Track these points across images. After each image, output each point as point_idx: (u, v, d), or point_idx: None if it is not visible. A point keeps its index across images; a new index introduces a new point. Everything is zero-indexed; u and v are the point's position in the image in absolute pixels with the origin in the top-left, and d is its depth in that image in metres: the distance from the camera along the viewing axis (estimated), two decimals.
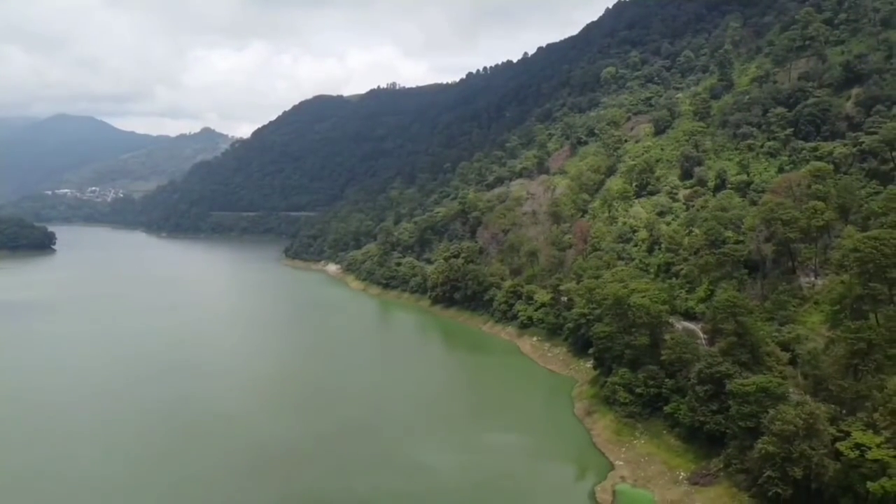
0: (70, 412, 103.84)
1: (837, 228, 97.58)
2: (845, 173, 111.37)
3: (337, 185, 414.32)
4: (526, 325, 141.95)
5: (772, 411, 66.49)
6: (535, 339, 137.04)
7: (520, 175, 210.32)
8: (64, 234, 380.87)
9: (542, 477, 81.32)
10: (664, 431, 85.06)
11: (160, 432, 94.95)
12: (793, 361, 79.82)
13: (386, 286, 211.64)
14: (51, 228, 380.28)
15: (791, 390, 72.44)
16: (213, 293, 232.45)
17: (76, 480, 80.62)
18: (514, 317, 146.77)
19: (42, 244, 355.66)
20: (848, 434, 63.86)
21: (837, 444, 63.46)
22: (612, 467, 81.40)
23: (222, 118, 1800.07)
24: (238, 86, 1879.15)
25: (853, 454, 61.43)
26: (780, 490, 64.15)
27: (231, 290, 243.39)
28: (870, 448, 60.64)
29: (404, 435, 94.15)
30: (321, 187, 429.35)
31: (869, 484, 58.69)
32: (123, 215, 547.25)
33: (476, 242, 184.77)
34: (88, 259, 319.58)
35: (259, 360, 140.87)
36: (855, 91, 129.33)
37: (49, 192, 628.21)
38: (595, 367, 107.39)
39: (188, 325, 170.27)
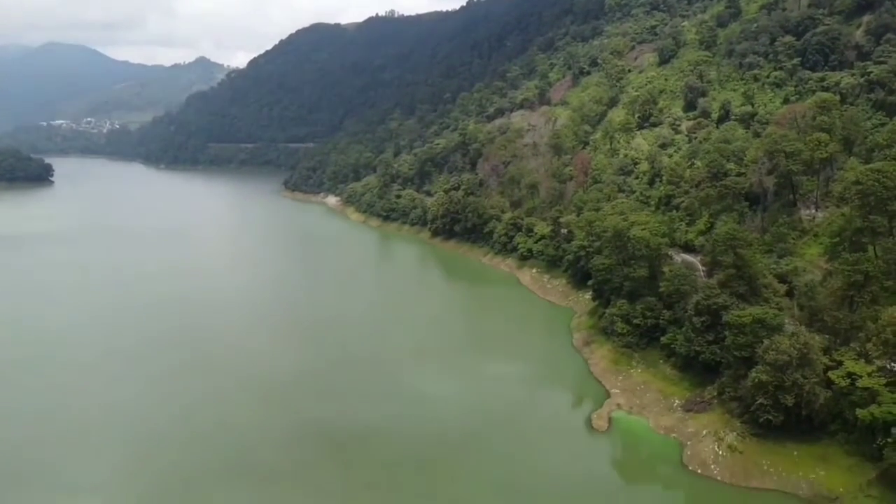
0: (75, 342, 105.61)
1: (840, 161, 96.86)
2: (851, 104, 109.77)
3: (335, 117, 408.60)
4: (526, 257, 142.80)
5: (766, 341, 67.65)
6: (534, 270, 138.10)
7: (521, 106, 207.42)
8: (61, 166, 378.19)
9: (540, 405, 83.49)
10: (660, 361, 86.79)
11: (165, 362, 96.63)
12: (790, 293, 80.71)
13: (386, 218, 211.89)
14: (47, 160, 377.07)
15: (787, 321, 73.52)
16: (214, 225, 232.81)
17: (84, 408, 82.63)
18: (514, 249, 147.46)
19: (40, 176, 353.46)
20: (840, 363, 65.32)
21: (829, 373, 64.98)
22: (608, 395, 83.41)
23: (217, 47, 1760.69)
24: (232, 13, 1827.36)
25: (844, 383, 63.01)
26: (771, 417, 66.02)
27: (232, 222, 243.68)
28: (861, 377, 62.14)
29: (406, 365, 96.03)
30: (319, 118, 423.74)
31: (858, 411, 60.37)
32: (120, 147, 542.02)
33: (476, 174, 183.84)
34: (88, 191, 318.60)
35: (261, 290, 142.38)
36: (865, 19, 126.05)
37: (44, 124, 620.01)
38: (594, 299, 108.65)
39: (191, 256, 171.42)
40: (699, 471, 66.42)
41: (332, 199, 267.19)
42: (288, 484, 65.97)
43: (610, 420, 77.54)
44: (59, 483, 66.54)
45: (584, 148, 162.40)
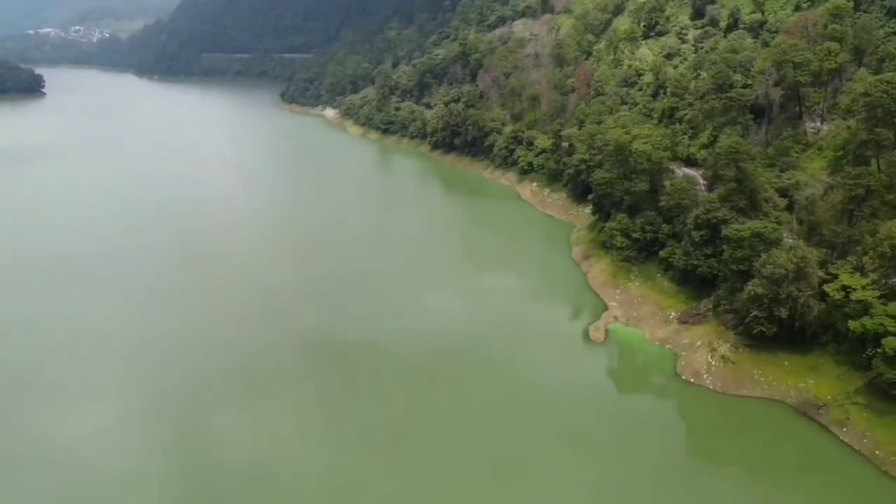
0: (75, 257, 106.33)
1: (850, 71, 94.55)
2: (865, 11, 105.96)
3: (332, 25, 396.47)
4: (526, 171, 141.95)
5: (764, 255, 68.20)
6: (534, 184, 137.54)
7: (523, 14, 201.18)
8: (52, 77, 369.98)
9: (538, 317, 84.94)
10: (658, 275, 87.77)
11: (166, 275, 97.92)
12: (790, 207, 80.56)
13: (385, 131, 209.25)
14: (37, 70, 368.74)
15: (785, 235, 73.80)
16: (212, 138, 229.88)
17: (87, 320, 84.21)
18: (515, 162, 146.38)
19: (31, 87, 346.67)
20: (836, 277, 66.07)
21: (824, 286, 65.81)
22: (605, 308, 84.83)
23: None
24: None
25: (838, 295, 63.92)
26: (764, 328, 67.37)
27: (230, 136, 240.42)
28: (855, 289, 62.98)
29: (406, 277, 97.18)
30: (315, 27, 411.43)
31: (850, 322, 61.55)
32: (111, 56, 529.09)
33: (476, 86, 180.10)
34: (82, 103, 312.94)
35: (261, 204, 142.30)
36: None
37: (31, 32, 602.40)
38: (594, 213, 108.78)
39: (190, 169, 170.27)
40: (692, 380, 68.37)
41: (330, 112, 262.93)
42: (292, 392, 68.01)
43: (607, 332, 79.18)
44: (65, 389, 68.58)
45: (587, 59, 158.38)
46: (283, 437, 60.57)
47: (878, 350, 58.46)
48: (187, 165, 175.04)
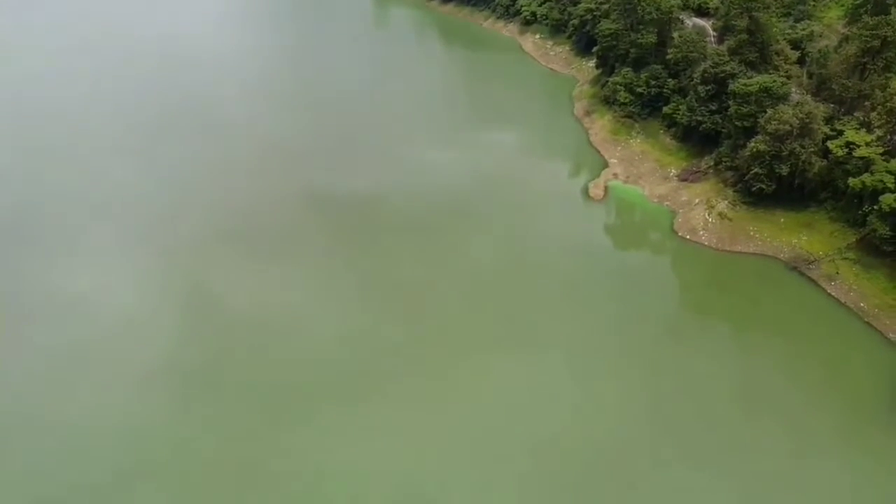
0: (75, 113, 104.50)
1: None
2: None
3: None
4: (529, 22, 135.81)
5: (770, 111, 66.98)
6: (537, 36, 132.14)
7: None
8: None
9: (539, 173, 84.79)
10: (660, 131, 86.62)
11: (166, 133, 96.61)
12: (801, 60, 78.13)
13: None
14: None
15: (793, 90, 72.07)
16: None
17: (89, 177, 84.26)
18: (517, 12, 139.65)
19: None
20: (840, 133, 65.42)
21: (828, 143, 65.27)
22: (606, 165, 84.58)
23: None
24: None
25: (841, 152, 63.62)
26: (764, 185, 67.63)
27: None
28: (858, 146, 62.61)
29: (405, 134, 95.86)
30: None
31: (850, 179, 61.68)
32: None
33: None
34: None
35: (252, 60, 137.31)
36: None
37: None
38: (598, 67, 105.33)
39: (176, 25, 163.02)
40: (688, 237, 69.58)
41: None
42: (294, 246, 69.35)
43: (606, 189, 79.46)
44: (76, 244, 70.01)
45: None
46: (287, 290, 62.46)
47: (875, 206, 59.03)
48: (173, 20, 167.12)
